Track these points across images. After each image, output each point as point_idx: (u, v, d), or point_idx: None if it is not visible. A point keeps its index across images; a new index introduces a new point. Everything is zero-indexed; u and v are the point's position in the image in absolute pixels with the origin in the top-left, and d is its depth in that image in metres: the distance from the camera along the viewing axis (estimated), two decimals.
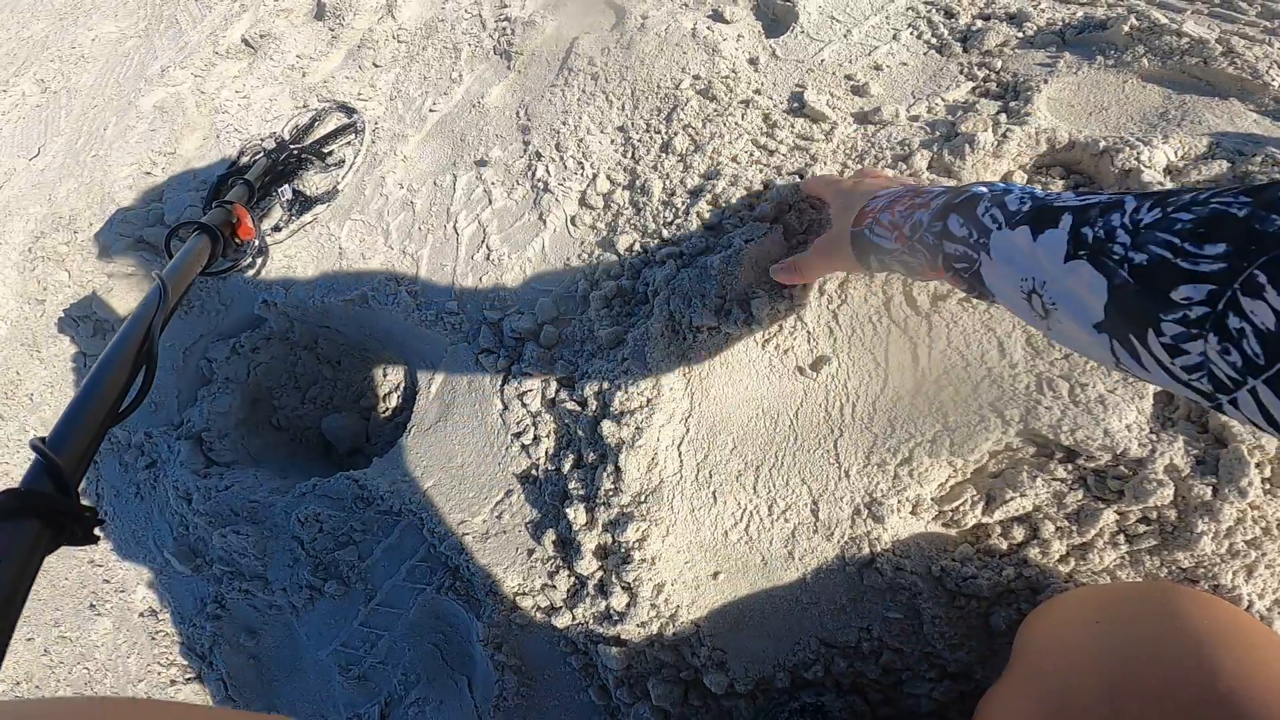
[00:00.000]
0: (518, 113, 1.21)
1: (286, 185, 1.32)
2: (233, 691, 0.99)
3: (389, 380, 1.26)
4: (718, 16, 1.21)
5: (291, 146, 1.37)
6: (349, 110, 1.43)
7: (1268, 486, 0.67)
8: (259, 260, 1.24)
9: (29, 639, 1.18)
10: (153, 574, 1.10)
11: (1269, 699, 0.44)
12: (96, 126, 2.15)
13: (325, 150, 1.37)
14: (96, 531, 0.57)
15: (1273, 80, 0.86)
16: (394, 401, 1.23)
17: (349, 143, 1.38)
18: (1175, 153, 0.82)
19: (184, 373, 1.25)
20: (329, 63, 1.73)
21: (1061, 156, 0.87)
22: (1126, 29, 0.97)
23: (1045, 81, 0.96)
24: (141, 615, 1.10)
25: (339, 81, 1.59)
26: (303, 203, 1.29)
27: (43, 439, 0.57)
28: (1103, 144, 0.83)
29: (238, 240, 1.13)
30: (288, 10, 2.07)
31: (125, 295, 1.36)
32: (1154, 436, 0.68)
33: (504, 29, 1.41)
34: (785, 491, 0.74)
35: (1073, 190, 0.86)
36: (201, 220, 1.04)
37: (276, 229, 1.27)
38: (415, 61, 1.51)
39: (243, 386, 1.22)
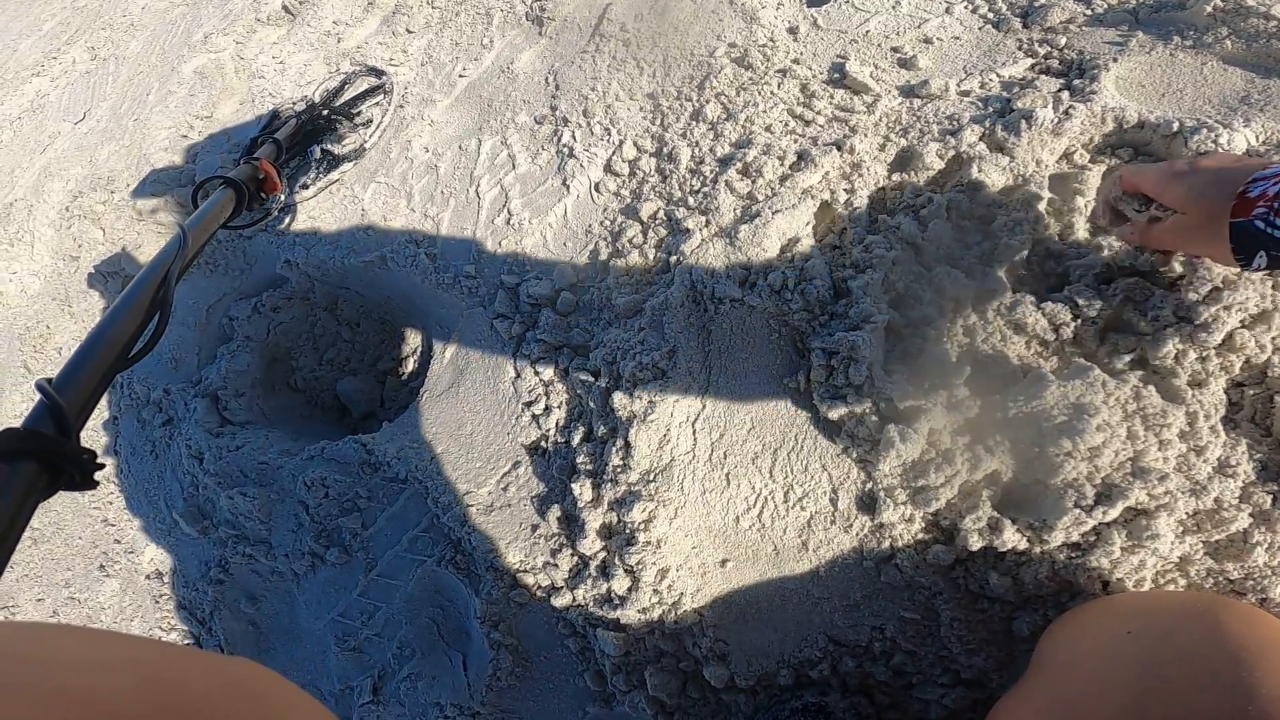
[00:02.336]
0: (547, 79, 1.18)
1: (315, 144, 1.31)
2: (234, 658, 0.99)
3: (406, 345, 1.24)
4: None
5: (321, 108, 1.36)
6: (378, 73, 1.42)
7: None
8: (285, 216, 1.24)
9: (39, 599, 1.21)
10: (161, 535, 1.11)
11: None
12: (140, 92, 2.18)
13: (354, 111, 1.36)
14: (96, 476, 0.56)
15: None
16: (410, 366, 1.22)
17: (377, 103, 1.37)
18: (1256, 137, 0.75)
19: (206, 330, 1.26)
20: (364, 29, 1.72)
21: (1130, 136, 0.80)
22: (1209, 9, 0.89)
23: (1114, 60, 0.88)
24: (148, 578, 1.11)
25: (372, 47, 1.58)
26: (330, 161, 1.28)
27: (49, 380, 0.56)
28: (1176, 125, 0.76)
29: (264, 195, 1.13)
30: None
31: (155, 250, 1.38)
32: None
33: None
34: (804, 478, 0.70)
35: None
36: (227, 174, 1.04)
37: (304, 187, 1.27)
38: (448, 27, 1.49)
39: (262, 345, 1.22)
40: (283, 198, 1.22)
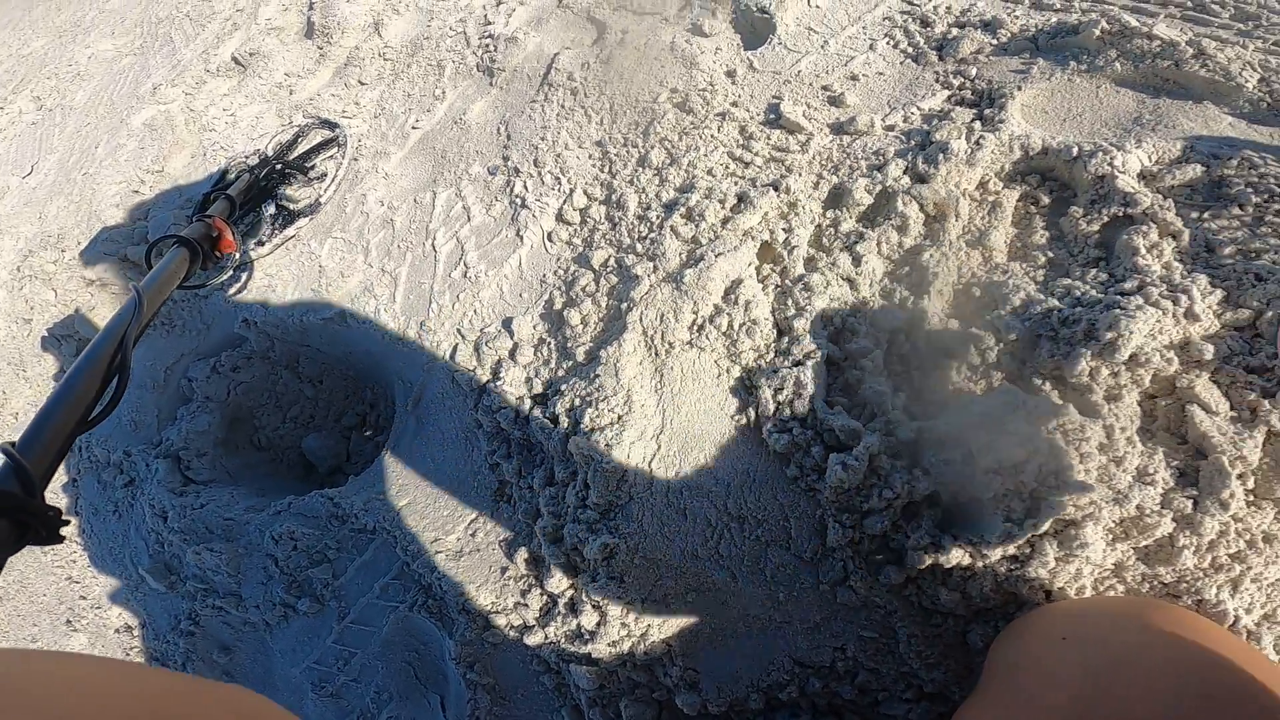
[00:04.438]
0: (499, 129, 1.24)
1: (269, 200, 1.34)
2: None
3: (369, 400, 1.27)
4: (697, 30, 1.24)
5: (274, 162, 1.40)
6: (331, 125, 1.46)
7: (1251, 498, 0.67)
8: (241, 274, 1.27)
9: None
10: (129, 591, 1.11)
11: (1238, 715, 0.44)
12: (88, 144, 2.19)
13: (308, 165, 1.40)
14: (62, 531, 0.59)
15: (1246, 82, 0.87)
16: (374, 420, 1.24)
17: (331, 156, 1.41)
18: (1149, 157, 0.83)
19: (164, 391, 1.27)
20: (316, 81, 1.77)
21: (1036, 163, 0.88)
22: (1098, 33, 0.98)
23: (1019, 88, 0.97)
24: (117, 631, 1.11)
25: (325, 99, 1.62)
26: (285, 216, 1.31)
27: (12, 443, 0.59)
28: (1075, 150, 0.84)
29: (219, 254, 1.15)
30: (279, 29, 2.13)
31: (109, 313, 1.39)
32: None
33: (487, 45, 1.44)
34: (757, 508, 0.74)
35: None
36: (180, 234, 1.06)
37: (260, 243, 1.29)
38: (400, 79, 1.54)
39: (222, 405, 1.23)
40: (238, 256, 1.25)
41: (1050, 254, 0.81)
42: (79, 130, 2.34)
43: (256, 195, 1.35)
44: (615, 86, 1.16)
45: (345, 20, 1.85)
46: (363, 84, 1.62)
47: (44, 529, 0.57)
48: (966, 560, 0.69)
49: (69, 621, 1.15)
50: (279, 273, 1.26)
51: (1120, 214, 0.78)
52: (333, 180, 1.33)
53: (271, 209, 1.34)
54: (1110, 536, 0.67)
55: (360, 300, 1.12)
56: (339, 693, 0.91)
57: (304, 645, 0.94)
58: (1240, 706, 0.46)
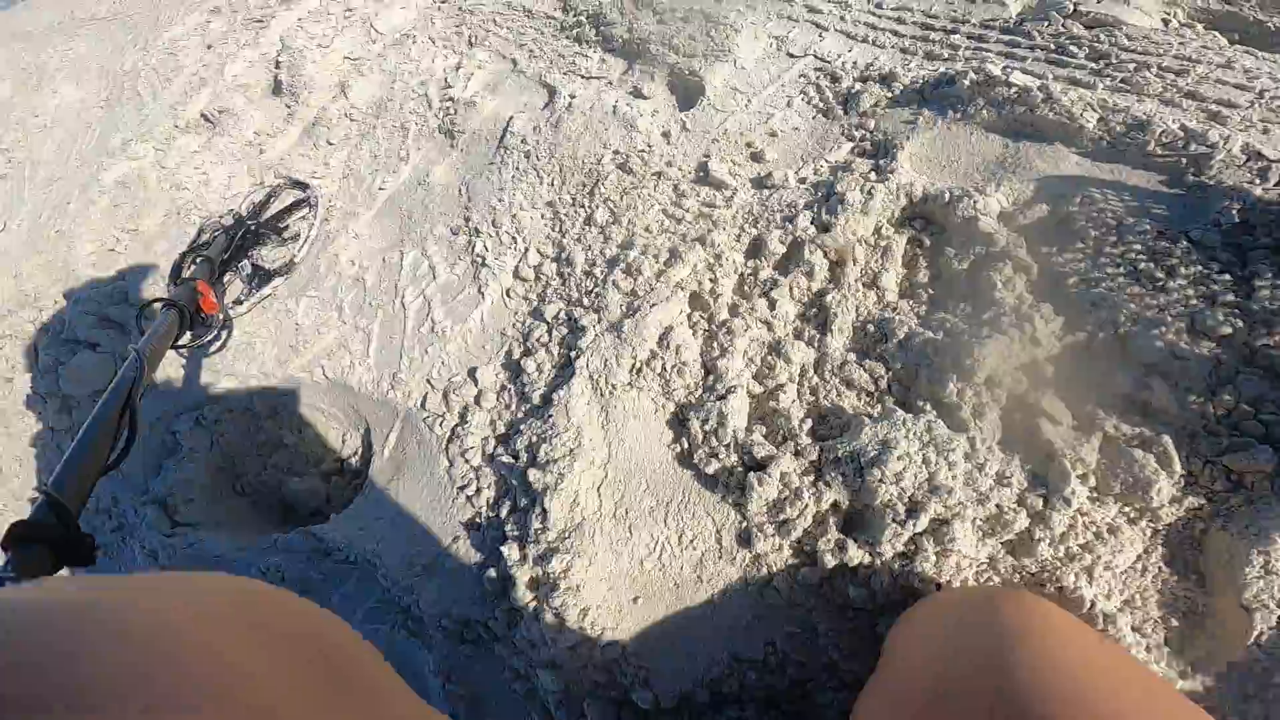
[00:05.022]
0: (460, 190, 1.37)
1: (245, 260, 1.45)
2: None
3: (348, 445, 1.37)
4: (637, 92, 1.40)
5: (248, 223, 1.51)
6: (303, 186, 1.58)
7: (1094, 494, 0.81)
8: (224, 334, 1.37)
9: None
10: None
11: (1050, 691, 0.48)
12: (59, 200, 2.26)
13: (281, 225, 1.51)
14: (95, 556, 0.72)
15: (1087, 123, 1.04)
16: (353, 465, 1.35)
17: (303, 217, 1.52)
18: (1007, 199, 1.00)
19: (149, 445, 1.36)
20: (285, 140, 1.89)
21: (920, 209, 1.04)
22: (967, 83, 1.15)
23: (908, 138, 1.14)
24: None
25: (294, 159, 1.75)
26: (261, 276, 1.43)
27: (45, 484, 0.73)
28: (948, 195, 1.00)
29: (203, 315, 1.26)
30: (246, 86, 2.24)
31: (92, 371, 1.47)
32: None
33: (448, 108, 1.58)
34: (692, 523, 0.88)
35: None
36: (169, 297, 1.17)
37: (238, 302, 1.40)
38: (366, 139, 1.67)
39: (206, 455, 1.33)
40: (221, 317, 1.36)
41: (931, 290, 0.96)
42: (49, 184, 2.41)
43: (233, 254, 1.46)
44: (564, 149, 1.30)
45: (312, 80, 1.98)
46: (330, 144, 1.74)
47: (80, 553, 0.69)
48: (867, 559, 0.82)
49: None
50: (257, 330, 1.36)
51: (983, 253, 0.94)
52: (306, 240, 1.45)
53: (248, 269, 1.45)
54: (979, 533, 0.81)
55: (336, 355, 1.24)
56: None
57: None
58: (1054, 679, 0.49)
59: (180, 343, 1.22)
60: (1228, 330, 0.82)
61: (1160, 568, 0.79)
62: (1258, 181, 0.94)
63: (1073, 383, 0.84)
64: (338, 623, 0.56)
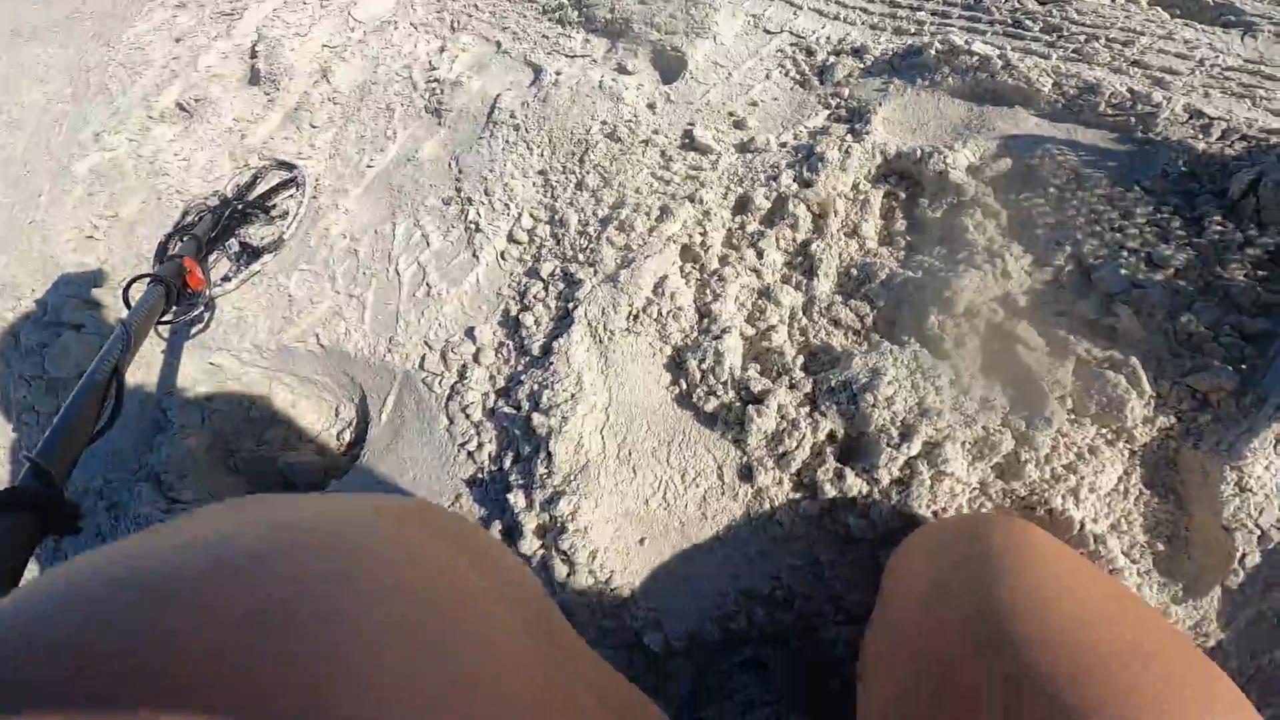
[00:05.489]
0: (449, 164, 1.40)
1: (233, 239, 1.46)
2: None
3: (342, 418, 1.38)
4: (621, 69, 1.44)
5: (235, 203, 1.51)
6: (289, 166, 1.59)
7: (1072, 415, 0.87)
8: (206, 314, 1.37)
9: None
10: None
11: (1030, 607, 0.48)
12: (30, 193, 2.23)
13: (269, 204, 1.52)
14: (79, 524, 0.71)
15: (1043, 87, 1.12)
16: (348, 437, 1.36)
17: (291, 196, 1.53)
18: (974, 155, 1.06)
19: (139, 423, 1.35)
20: (266, 125, 1.89)
21: (894, 166, 1.10)
22: (933, 53, 1.22)
23: (880, 104, 1.20)
24: None
25: (278, 142, 1.75)
26: (250, 253, 1.43)
27: (29, 451, 0.73)
28: (919, 152, 1.06)
29: (189, 291, 1.26)
30: (220, 76, 2.24)
31: (77, 353, 1.46)
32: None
33: (434, 89, 1.61)
34: (694, 461, 0.91)
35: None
36: (155, 273, 1.17)
37: (226, 279, 1.40)
38: (351, 122, 1.69)
39: (198, 431, 1.32)
40: (207, 293, 1.36)
41: (908, 238, 1.02)
42: (19, 180, 2.37)
43: (220, 234, 1.46)
44: (553, 121, 1.34)
45: (292, 67, 1.99)
46: (314, 127, 1.75)
47: (64, 521, 0.68)
48: (865, 487, 0.87)
49: None
50: (248, 305, 1.37)
51: (955, 202, 1.00)
52: (294, 218, 1.46)
53: (235, 247, 1.45)
54: (969, 456, 0.86)
55: (331, 323, 1.25)
56: None
57: None
58: (1034, 594, 0.49)
59: (165, 318, 1.22)
60: (1181, 261, 0.89)
61: (1141, 490, 0.84)
62: (1200, 136, 1.02)
63: (1043, 311, 0.91)
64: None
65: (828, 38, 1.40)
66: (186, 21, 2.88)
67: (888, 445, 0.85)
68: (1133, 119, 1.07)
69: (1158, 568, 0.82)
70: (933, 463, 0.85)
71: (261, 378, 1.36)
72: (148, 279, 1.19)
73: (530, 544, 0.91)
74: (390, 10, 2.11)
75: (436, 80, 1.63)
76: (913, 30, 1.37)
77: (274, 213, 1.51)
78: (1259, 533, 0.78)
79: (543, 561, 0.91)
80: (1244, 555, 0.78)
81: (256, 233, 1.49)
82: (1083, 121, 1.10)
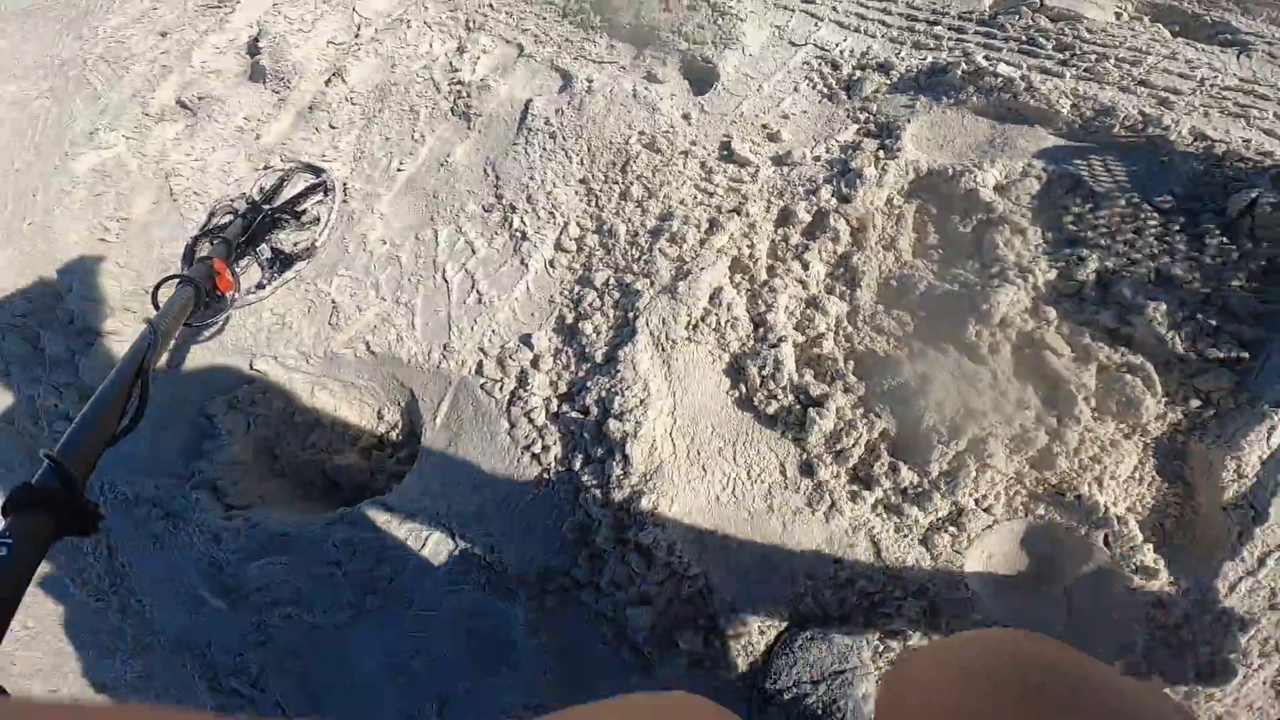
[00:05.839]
0: (485, 170, 1.44)
1: (265, 244, 1.47)
2: (291, 712, 1.12)
3: (386, 420, 1.42)
4: (651, 77, 1.49)
5: (264, 207, 1.52)
6: (316, 170, 1.59)
7: (1095, 414, 0.98)
8: (222, 319, 1.37)
9: (53, 690, 1.26)
10: (186, 614, 1.21)
11: None
12: (21, 192, 2.17)
13: (299, 209, 1.53)
14: (98, 525, 0.69)
15: (1063, 109, 1.22)
16: (394, 438, 1.40)
17: (320, 201, 1.54)
18: (1001, 174, 1.16)
19: (180, 428, 1.37)
20: (280, 124, 1.88)
21: (925, 182, 1.19)
22: (960, 74, 1.31)
23: (909, 121, 1.29)
24: (174, 653, 1.21)
25: (297, 143, 1.75)
26: (283, 260, 1.44)
27: (51, 449, 0.70)
28: (950, 171, 1.16)
29: (218, 292, 1.27)
30: (218, 72, 2.20)
31: (111, 350, 1.46)
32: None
33: (459, 92, 1.63)
34: (758, 459, 1.00)
35: None
36: (186, 273, 1.19)
37: (260, 286, 1.42)
38: (373, 123, 1.70)
39: (243, 437, 1.35)
40: (235, 295, 1.36)
41: (941, 251, 1.12)
42: (5, 178, 2.30)
43: (251, 239, 1.47)
44: (590, 130, 1.39)
45: (300, 65, 1.97)
46: (334, 128, 1.75)
47: (83, 522, 0.66)
48: (916, 479, 0.96)
49: (111, 650, 1.23)
50: (289, 310, 1.39)
51: (984, 218, 1.10)
52: (326, 225, 1.48)
53: (267, 252, 1.46)
54: (1007, 450, 0.97)
55: (380, 330, 1.29)
56: (415, 679, 1.07)
57: (376, 641, 1.10)
58: None
59: (193, 320, 1.22)
60: (1187, 275, 1.00)
61: (1153, 476, 0.96)
62: (1204, 158, 1.14)
63: (1069, 321, 1.01)
64: None
65: (850, 50, 1.47)
66: (168, 14, 2.79)
67: (938, 442, 0.95)
68: (1144, 140, 1.18)
69: (1168, 543, 0.94)
70: (979, 456, 0.95)
71: (305, 382, 1.39)
72: (179, 279, 1.19)
73: (608, 538, 0.98)
74: (395, 5, 2.10)
75: (461, 83, 1.65)
76: (931, 45, 1.45)
77: (305, 219, 1.52)
78: (1254, 512, 0.90)
79: (621, 556, 0.99)
80: (1241, 532, 0.90)
81: (288, 238, 1.50)
82: (1099, 141, 1.20)
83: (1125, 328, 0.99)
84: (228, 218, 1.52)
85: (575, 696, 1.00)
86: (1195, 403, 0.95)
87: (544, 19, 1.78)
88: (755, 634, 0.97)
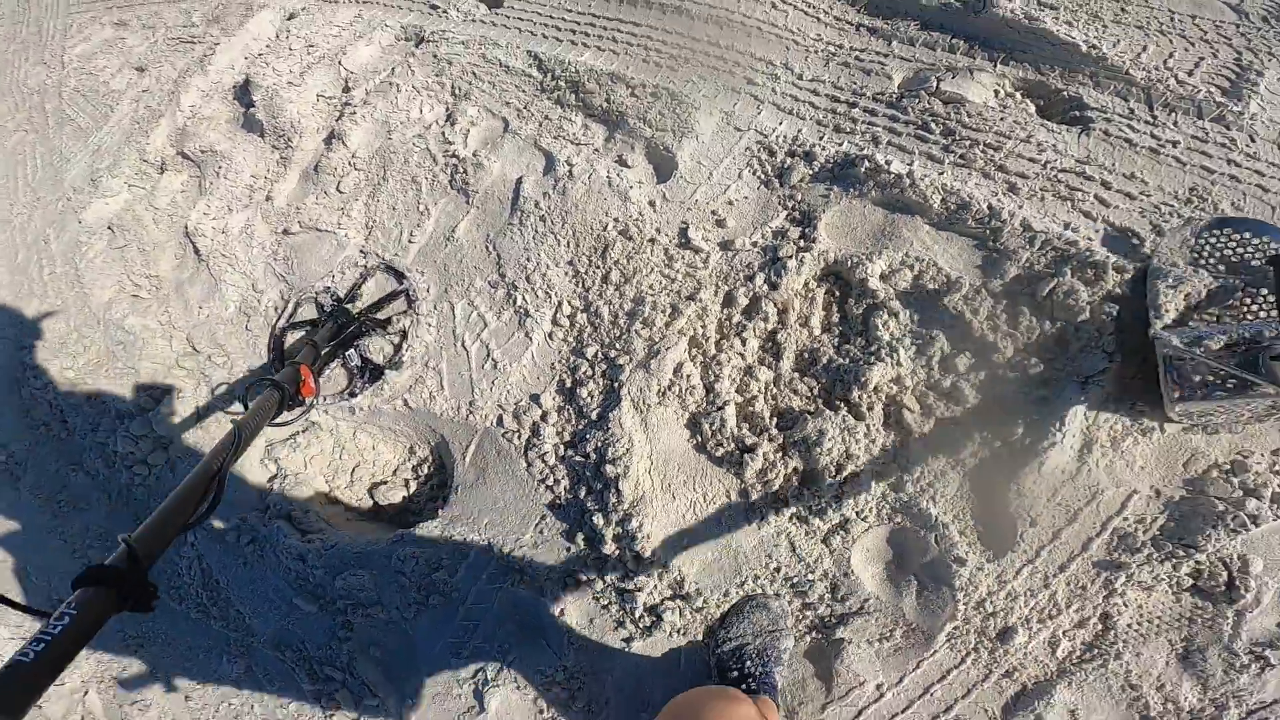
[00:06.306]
0: (487, 248, 1.78)
1: (354, 351, 1.69)
2: (377, 690, 1.55)
3: (417, 455, 1.80)
4: (622, 161, 1.84)
5: (350, 309, 1.72)
6: (398, 275, 1.79)
7: (933, 453, 1.46)
8: (300, 416, 1.64)
9: (169, 690, 1.65)
10: (279, 618, 1.60)
11: None
12: (32, 239, 2.34)
13: (386, 320, 1.73)
14: (153, 604, 0.80)
15: (934, 203, 1.64)
16: (424, 471, 1.78)
17: (405, 312, 1.74)
18: (885, 264, 1.59)
19: (254, 470, 1.72)
20: (287, 184, 2.13)
21: (831, 269, 1.61)
22: (863, 170, 1.72)
23: (824, 210, 1.69)
24: (275, 649, 1.61)
25: (310, 207, 2.03)
26: (372, 371, 1.69)
27: (128, 535, 0.82)
28: (850, 261, 1.58)
29: (300, 397, 1.40)
30: (210, 119, 2.41)
31: (175, 408, 1.77)
32: None
33: (454, 165, 1.94)
34: (710, 488, 1.44)
35: None
36: (275, 378, 1.36)
37: (352, 394, 1.67)
38: (380, 192, 1.99)
39: (304, 474, 1.71)
40: (315, 401, 1.56)
41: (840, 329, 1.56)
42: (8, 222, 2.45)
43: (340, 343, 1.66)
44: (574, 216, 1.75)
45: (299, 123, 2.21)
46: (341, 192, 2.04)
47: (141, 599, 0.78)
48: (817, 500, 1.43)
49: (224, 654, 1.63)
50: (334, 372, 1.73)
51: (871, 303, 1.54)
52: (410, 340, 1.69)
53: (356, 360, 1.68)
54: (876, 480, 1.43)
55: (416, 390, 1.65)
56: (473, 654, 1.51)
57: (438, 629, 1.53)
58: None
59: (276, 420, 1.43)
60: (1002, 347, 1.47)
61: (969, 495, 1.46)
62: (1027, 247, 1.59)
63: (919, 387, 1.48)
64: None
65: (784, 136, 1.84)
66: (137, 45, 2.90)
67: (829, 476, 1.41)
68: (988, 230, 1.62)
69: (980, 542, 1.44)
70: (856, 485, 1.42)
71: (348, 428, 1.75)
72: (268, 384, 1.31)
73: (610, 548, 1.42)
74: (379, 60, 2.33)
75: (456, 157, 1.96)
76: (848, 129, 1.84)
77: (391, 330, 1.71)
78: (1030, 519, 1.41)
79: (619, 558, 1.43)
80: (1022, 533, 1.41)
81: (373, 344, 1.71)
82: (958, 231, 1.64)
83: (955, 391, 1.46)
84: (324, 322, 1.69)
85: (591, 659, 1.47)
86: (997, 444, 1.44)
87: (524, 91, 2.07)
88: (713, 606, 1.44)
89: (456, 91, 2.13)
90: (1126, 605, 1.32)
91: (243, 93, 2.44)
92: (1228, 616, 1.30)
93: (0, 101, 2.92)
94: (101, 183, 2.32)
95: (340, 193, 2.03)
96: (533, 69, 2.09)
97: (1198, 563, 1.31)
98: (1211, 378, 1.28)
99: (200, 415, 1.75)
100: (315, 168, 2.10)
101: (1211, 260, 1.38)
